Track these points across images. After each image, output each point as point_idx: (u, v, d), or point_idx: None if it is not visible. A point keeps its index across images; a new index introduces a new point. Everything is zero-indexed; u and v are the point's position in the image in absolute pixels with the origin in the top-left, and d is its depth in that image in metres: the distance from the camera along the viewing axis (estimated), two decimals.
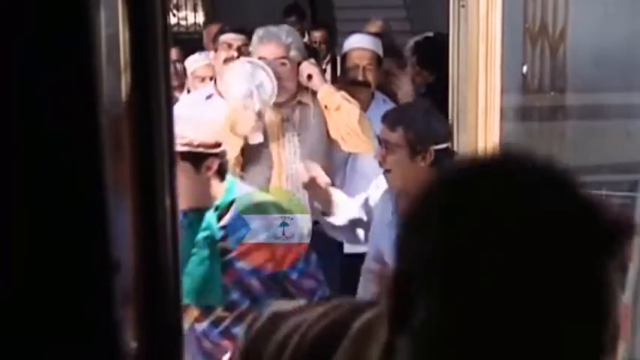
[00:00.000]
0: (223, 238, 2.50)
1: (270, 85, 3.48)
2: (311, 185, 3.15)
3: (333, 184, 3.31)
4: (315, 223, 3.05)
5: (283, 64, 3.59)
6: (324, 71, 5.15)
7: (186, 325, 2.50)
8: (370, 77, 3.99)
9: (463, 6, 3.42)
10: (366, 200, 3.16)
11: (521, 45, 2.83)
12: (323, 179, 3.14)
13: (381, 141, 2.97)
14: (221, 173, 2.52)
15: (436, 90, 4.25)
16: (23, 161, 0.62)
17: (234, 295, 2.53)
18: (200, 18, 11.00)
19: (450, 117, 3.59)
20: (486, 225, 0.71)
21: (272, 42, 3.61)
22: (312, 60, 3.76)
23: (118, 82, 0.66)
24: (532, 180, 0.74)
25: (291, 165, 3.57)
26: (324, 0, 10.20)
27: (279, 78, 3.54)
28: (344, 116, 3.53)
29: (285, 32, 3.66)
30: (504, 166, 0.76)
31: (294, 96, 3.63)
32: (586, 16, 2.19)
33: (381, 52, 4.08)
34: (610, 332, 0.71)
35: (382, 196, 3.07)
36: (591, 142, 3.80)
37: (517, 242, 0.70)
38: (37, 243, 0.63)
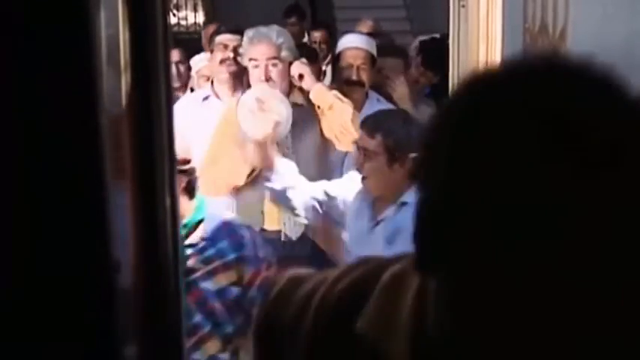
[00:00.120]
0: (189, 257, 2.44)
1: (286, 121, 3.47)
2: (259, 146, 3.17)
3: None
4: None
5: (275, 64, 3.58)
6: (324, 72, 5.15)
7: None
8: (364, 77, 3.99)
9: (463, 6, 3.42)
10: (333, 186, 3.19)
11: (521, 45, 2.82)
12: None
13: (359, 148, 2.96)
14: (189, 191, 2.45)
15: (440, 91, 4.24)
16: (23, 161, 0.62)
17: (197, 318, 2.45)
18: (200, 18, 11.00)
19: None
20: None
21: (263, 42, 3.60)
22: (304, 59, 3.75)
23: (118, 82, 0.67)
24: (567, 78, 0.67)
25: None
26: (324, 0, 10.20)
27: (270, 79, 3.54)
28: (337, 115, 3.52)
29: (275, 32, 3.64)
30: (537, 67, 0.69)
31: (286, 96, 3.62)
32: (586, 16, 2.19)
33: (374, 52, 4.08)
34: None
35: (358, 203, 3.04)
36: None
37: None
38: (37, 243, 0.63)
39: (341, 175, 3.69)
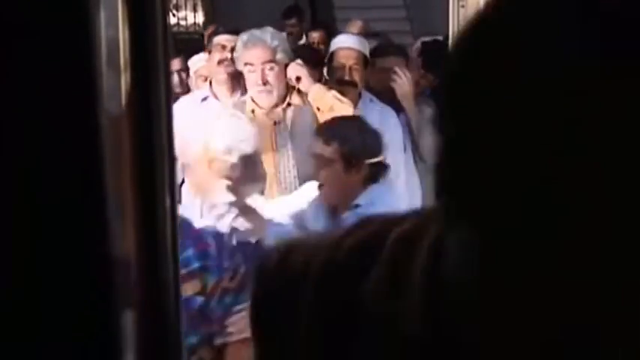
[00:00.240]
0: None
1: (252, 139, 3.43)
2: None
3: None
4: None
5: (271, 68, 3.56)
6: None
7: None
8: (357, 77, 3.99)
9: (463, 6, 3.42)
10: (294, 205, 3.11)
11: None
12: None
13: (314, 155, 2.94)
14: None
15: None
16: (23, 161, 0.62)
17: None
18: (200, 18, 11.00)
19: None
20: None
21: (257, 46, 3.58)
22: (299, 61, 3.75)
23: (118, 82, 0.66)
24: None
25: (285, 168, 3.56)
26: (324, 0, 10.20)
27: (267, 83, 3.53)
28: None
29: (269, 35, 3.63)
30: None
31: (283, 99, 3.62)
32: None
33: (367, 52, 4.08)
34: None
35: (315, 211, 3.01)
36: None
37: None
38: (36, 243, 0.63)
39: None
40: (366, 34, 5.08)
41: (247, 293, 2.53)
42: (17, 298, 0.63)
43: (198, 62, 4.50)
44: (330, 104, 3.52)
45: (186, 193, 3.61)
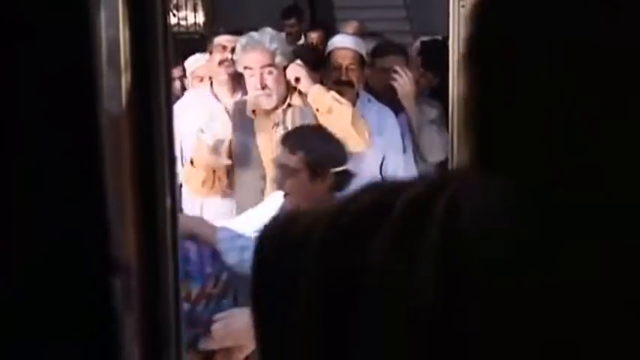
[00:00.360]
0: None
1: (223, 117, 3.44)
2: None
3: None
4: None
5: (270, 72, 3.56)
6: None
7: None
8: (353, 77, 3.98)
9: (463, 6, 3.41)
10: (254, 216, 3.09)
11: None
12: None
13: (280, 165, 2.94)
14: None
15: (440, 93, 4.24)
16: (23, 161, 0.62)
17: None
18: (200, 18, 11.00)
19: (450, 116, 3.59)
20: None
21: (256, 50, 3.58)
22: (299, 62, 3.74)
23: (118, 82, 0.66)
24: None
25: None
26: (323, 0, 10.20)
27: (266, 87, 3.53)
28: (337, 118, 3.51)
29: (268, 37, 3.62)
30: None
31: (283, 100, 3.61)
32: None
33: (363, 52, 4.08)
34: None
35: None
36: None
37: None
38: (36, 243, 0.63)
39: None
40: (362, 34, 5.08)
41: (230, 298, 2.54)
42: (17, 298, 0.63)
43: (194, 63, 4.49)
44: (329, 105, 3.52)
45: (186, 193, 3.62)
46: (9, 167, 0.62)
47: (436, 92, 4.49)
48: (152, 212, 0.70)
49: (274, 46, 3.59)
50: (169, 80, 0.73)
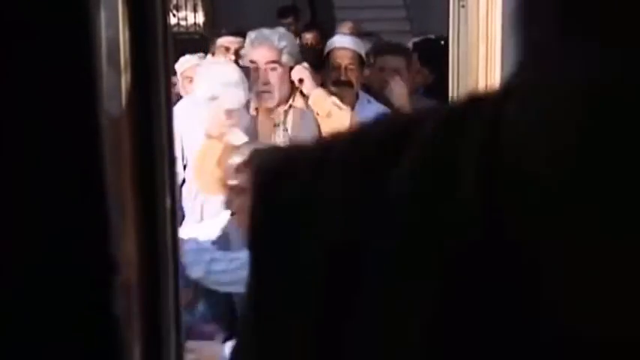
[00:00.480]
0: None
1: (239, 82, 3.43)
2: None
3: None
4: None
5: (274, 69, 3.57)
6: None
7: None
8: (352, 77, 3.99)
9: (463, 6, 3.42)
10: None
11: None
12: None
13: (226, 186, 2.86)
14: None
15: (435, 91, 4.25)
16: (23, 161, 0.62)
17: None
18: (200, 18, 11.00)
19: None
20: None
21: (264, 45, 3.59)
22: (305, 64, 3.75)
23: (118, 82, 0.66)
24: None
25: None
26: (323, 0, 10.21)
27: (268, 83, 3.53)
28: (335, 123, 3.52)
29: (277, 36, 3.64)
30: None
31: (285, 100, 3.62)
32: None
33: (362, 52, 4.09)
34: None
35: (237, 233, 2.93)
36: None
37: None
38: (36, 243, 0.63)
39: None
40: (358, 34, 5.09)
41: (196, 314, 2.51)
42: (17, 298, 0.63)
43: (185, 63, 4.49)
44: (328, 110, 3.52)
45: (186, 193, 3.62)
46: (9, 167, 0.62)
47: (431, 90, 4.50)
48: (152, 212, 0.70)
49: (283, 44, 3.61)
50: (169, 80, 0.73)
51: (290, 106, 3.58)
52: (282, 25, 6.56)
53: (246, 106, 3.54)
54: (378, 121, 0.62)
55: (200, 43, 5.66)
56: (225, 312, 2.91)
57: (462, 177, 0.50)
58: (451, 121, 0.54)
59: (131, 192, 0.69)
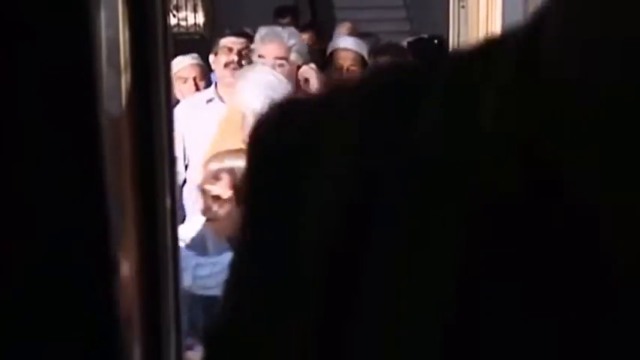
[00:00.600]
0: None
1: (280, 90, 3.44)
2: None
3: None
4: None
5: (281, 65, 3.58)
6: None
7: None
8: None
9: (463, 7, 3.42)
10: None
11: None
12: None
13: (204, 191, 2.81)
14: None
15: None
16: (23, 161, 0.62)
17: None
18: (200, 18, 11.00)
19: None
20: None
21: (274, 42, 3.62)
22: (313, 65, 3.76)
23: (118, 82, 0.67)
24: None
25: None
26: (323, 0, 10.21)
27: None
28: None
29: (287, 34, 3.67)
30: None
31: None
32: None
33: (365, 53, 4.10)
34: None
35: (214, 238, 2.86)
36: None
37: None
38: (36, 243, 0.63)
39: None
40: (356, 34, 5.10)
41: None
42: (17, 298, 0.63)
43: (178, 64, 4.48)
44: None
45: (187, 193, 3.61)
46: (9, 167, 0.62)
47: None
48: (152, 212, 0.70)
49: (292, 42, 3.62)
50: (169, 80, 0.73)
51: None
52: (281, 25, 6.57)
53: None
54: (383, 70, 0.54)
55: (200, 43, 5.66)
56: (204, 323, 2.88)
57: (490, 112, 0.44)
58: (473, 61, 0.47)
59: (131, 192, 0.69)
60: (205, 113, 3.82)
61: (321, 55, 4.72)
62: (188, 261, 2.75)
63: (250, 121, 3.35)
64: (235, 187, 2.73)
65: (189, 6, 11.06)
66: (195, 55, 4.49)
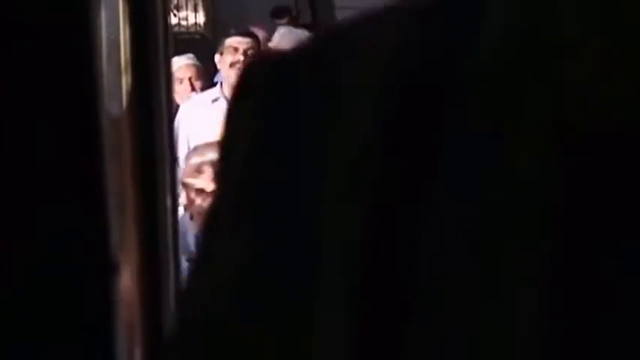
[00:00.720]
0: None
1: None
2: None
3: None
4: None
5: None
6: None
7: None
8: None
9: None
10: None
11: None
12: None
13: (186, 185, 2.77)
14: None
15: None
16: (23, 161, 0.62)
17: None
18: (200, 18, 11.00)
19: None
20: None
21: (293, 41, 3.67)
22: None
23: (118, 82, 0.66)
24: None
25: None
26: (324, 0, 10.20)
27: None
28: None
29: (303, 35, 3.72)
30: None
31: None
32: None
33: None
34: None
35: (187, 238, 2.83)
36: None
37: None
38: (37, 242, 0.63)
39: None
40: None
41: None
42: (17, 297, 0.63)
43: (174, 64, 4.48)
44: None
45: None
46: (9, 167, 0.62)
47: None
48: (152, 211, 0.70)
49: None
50: (170, 80, 0.73)
51: None
52: (277, 25, 6.56)
53: None
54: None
55: (201, 42, 5.66)
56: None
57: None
58: None
59: (132, 191, 0.69)
60: (211, 113, 3.83)
61: None
62: None
63: None
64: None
65: (190, 5, 11.07)
66: (191, 55, 4.50)
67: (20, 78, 0.62)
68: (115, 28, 0.66)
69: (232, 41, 4.19)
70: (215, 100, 4.02)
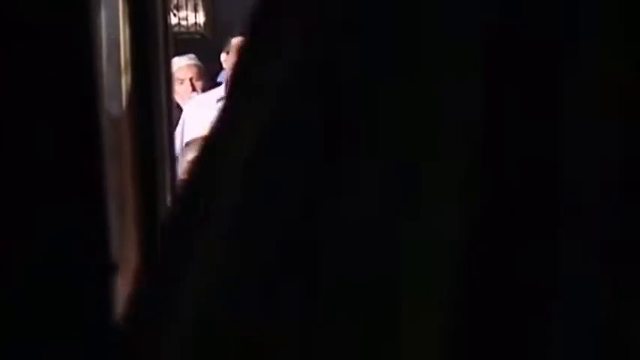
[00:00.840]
0: None
1: None
2: None
3: None
4: None
5: None
6: None
7: None
8: None
9: None
10: None
11: None
12: None
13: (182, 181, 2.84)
14: None
15: None
16: (23, 161, 0.62)
17: None
18: (200, 18, 11.01)
19: None
20: None
21: None
22: None
23: (118, 82, 0.67)
24: None
25: None
26: None
27: None
28: None
29: None
30: None
31: None
32: None
33: None
34: None
35: None
36: None
37: None
38: (37, 242, 0.63)
39: None
40: None
41: None
42: (17, 297, 0.63)
43: (175, 65, 4.47)
44: None
45: None
46: (9, 167, 0.62)
47: None
48: (153, 211, 0.70)
49: None
50: (170, 80, 0.73)
51: None
52: None
53: None
54: None
55: (201, 42, 5.66)
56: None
57: None
58: None
59: (132, 191, 0.69)
60: (216, 112, 3.82)
61: None
62: None
63: None
64: None
65: (190, 5, 11.08)
66: (192, 55, 4.50)
67: (20, 78, 0.62)
68: (115, 28, 0.66)
69: (238, 41, 4.20)
70: (220, 99, 4.03)
